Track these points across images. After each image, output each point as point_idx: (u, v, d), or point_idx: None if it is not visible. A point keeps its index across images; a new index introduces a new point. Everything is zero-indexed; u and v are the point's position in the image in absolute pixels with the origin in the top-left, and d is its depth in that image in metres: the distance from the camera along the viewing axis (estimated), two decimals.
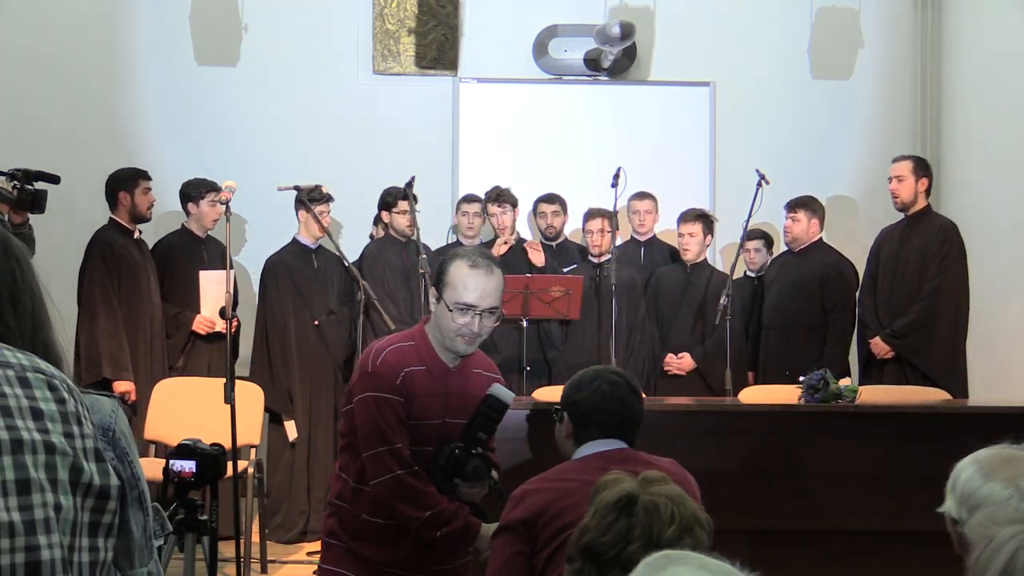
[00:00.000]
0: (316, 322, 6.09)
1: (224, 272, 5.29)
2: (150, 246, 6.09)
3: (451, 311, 2.90)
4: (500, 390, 3.00)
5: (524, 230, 6.90)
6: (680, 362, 6.09)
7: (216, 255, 6.10)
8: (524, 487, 2.66)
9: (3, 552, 1.24)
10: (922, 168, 5.92)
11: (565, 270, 6.31)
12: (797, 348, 6.07)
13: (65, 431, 1.32)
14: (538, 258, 6.31)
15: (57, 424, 1.32)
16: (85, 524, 1.34)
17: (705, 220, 6.29)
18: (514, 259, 6.32)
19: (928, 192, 5.96)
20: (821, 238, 6.32)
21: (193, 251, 6.12)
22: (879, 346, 5.82)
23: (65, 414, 1.34)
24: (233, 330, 5.87)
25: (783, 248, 6.68)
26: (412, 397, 2.94)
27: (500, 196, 6.40)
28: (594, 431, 2.73)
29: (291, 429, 6.03)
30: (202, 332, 5.93)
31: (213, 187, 6.04)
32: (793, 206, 6.29)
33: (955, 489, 2.09)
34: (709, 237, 6.33)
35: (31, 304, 1.89)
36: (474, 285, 2.90)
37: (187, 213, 6.21)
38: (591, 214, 6.32)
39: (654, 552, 1.80)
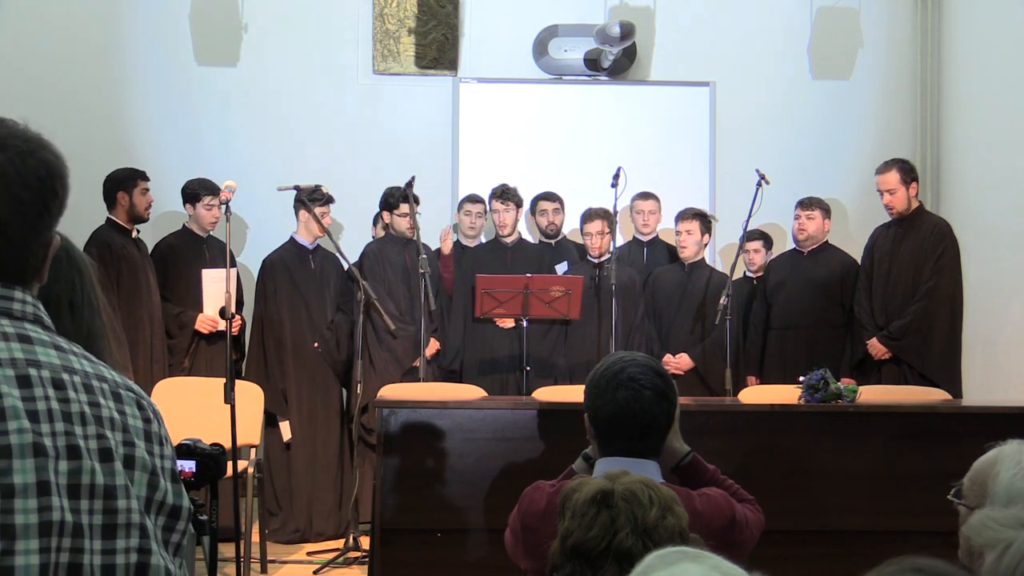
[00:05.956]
0: (316, 344, 6.06)
1: (227, 271, 5.29)
2: (149, 245, 6.09)
3: None
4: None
5: (522, 229, 6.89)
6: (678, 362, 6.09)
7: (218, 254, 6.09)
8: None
9: (84, 552, 1.29)
10: (908, 173, 5.89)
11: (560, 269, 6.30)
12: (819, 347, 6.00)
13: (148, 448, 1.39)
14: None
15: (142, 440, 1.39)
16: (157, 540, 1.40)
17: (702, 219, 6.27)
18: (514, 258, 6.32)
19: (918, 192, 5.97)
20: (827, 239, 6.33)
21: (195, 250, 6.12)
22: (876, 347, 5.82)
23: (149, 433, 1.41)
24: (236, 330, 5.90)
25: (784, 248, 6.67)
26: None
27: (505, 194, 6.40)
28: (618, 446, 2.44)
29: (285, 430, 6.02)
30: (205, 331, 5.92)
31: (212, 190, 6.03)
32: (809, 204, 6.26)
33: (995, 492, 2.01)
34: (707, 236, 6.32)
35: (88, 315, 1.94)
36: None
37: (188, 213, 6.22)
38: (589, 216, 6.27)
39: (643, 537, 1.81)
